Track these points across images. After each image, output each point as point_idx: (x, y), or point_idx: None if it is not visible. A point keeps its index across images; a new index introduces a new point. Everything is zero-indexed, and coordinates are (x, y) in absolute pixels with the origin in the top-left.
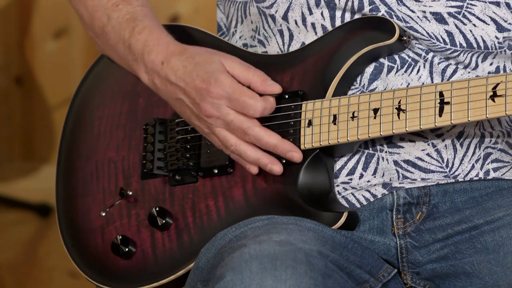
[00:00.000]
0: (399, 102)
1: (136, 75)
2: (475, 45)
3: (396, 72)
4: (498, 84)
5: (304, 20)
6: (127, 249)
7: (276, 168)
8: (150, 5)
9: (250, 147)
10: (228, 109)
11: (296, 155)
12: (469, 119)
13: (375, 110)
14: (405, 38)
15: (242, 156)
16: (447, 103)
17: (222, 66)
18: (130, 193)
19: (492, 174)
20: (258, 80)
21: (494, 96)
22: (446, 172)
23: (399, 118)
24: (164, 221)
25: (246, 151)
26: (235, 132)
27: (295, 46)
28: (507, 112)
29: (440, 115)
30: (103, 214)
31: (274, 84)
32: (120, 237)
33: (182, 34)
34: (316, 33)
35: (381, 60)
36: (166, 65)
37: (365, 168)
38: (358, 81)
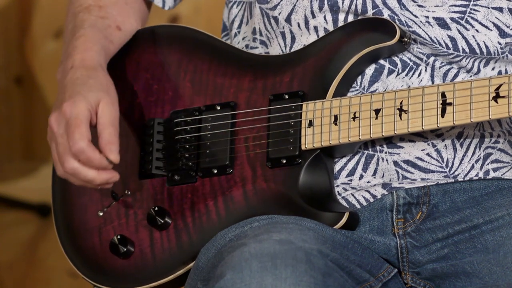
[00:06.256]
0: (401, 103)
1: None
2: (477, 51)
3: (397, 75)
4: (501, 85)
5: (307, 23)
6: (125, 249)
7: (116, 176)
8: (115, 17)
9: (86, 169)
10: (63, 131)
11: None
12: (471, 120)
13: (377, 111)
14: (406, 39)
15: (80, 178)
16: (450, 104)
17: (94, 100)
18: (128, 193)
19: (492, 174)
20: (108, 138)
21: (497, 97)
22: (446, 172)
23: (401, 118)
24: (163, 221)
25: (84, 172)
26: (59, 155)
27: (297, 48)
28: (510, 113)
29: (443, 116)
30: (101, 214)
31: (113, 151)
32: (119, 236)
33: (181, 35)
34: (318, 37)
35: (382, 62)
36: (71, 71)
37: (365, 169)
38: (359, 83)
